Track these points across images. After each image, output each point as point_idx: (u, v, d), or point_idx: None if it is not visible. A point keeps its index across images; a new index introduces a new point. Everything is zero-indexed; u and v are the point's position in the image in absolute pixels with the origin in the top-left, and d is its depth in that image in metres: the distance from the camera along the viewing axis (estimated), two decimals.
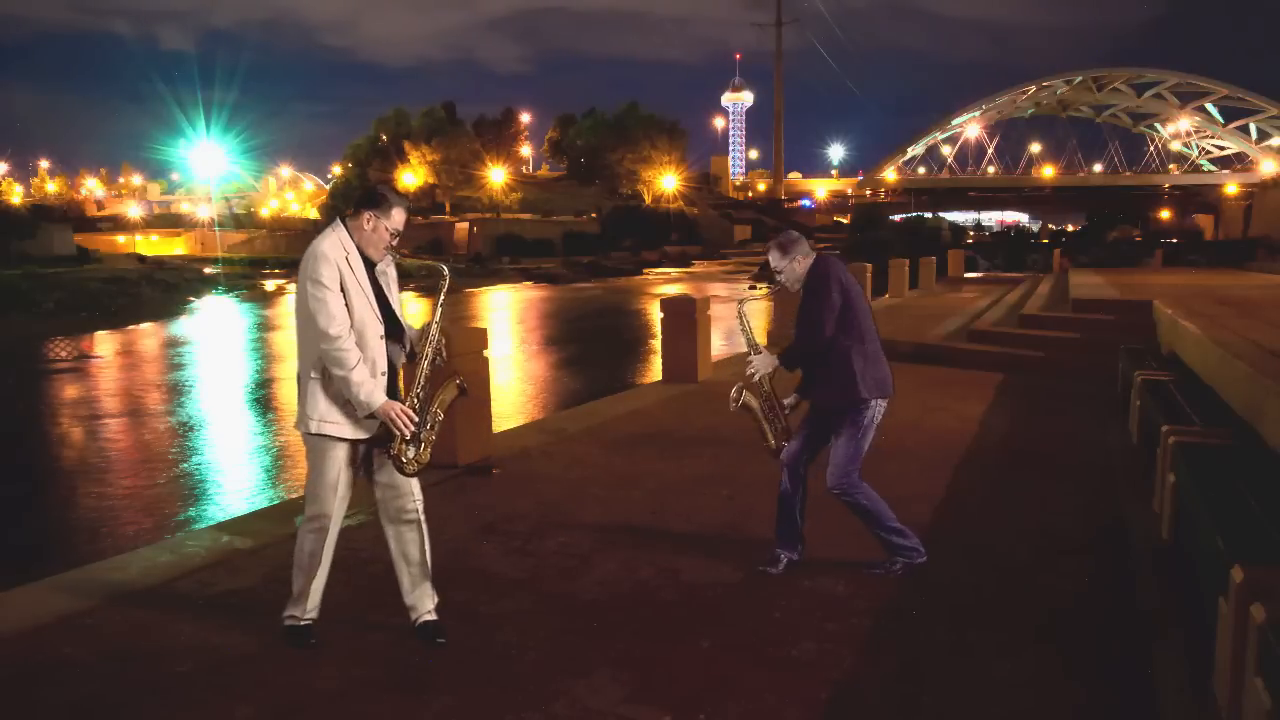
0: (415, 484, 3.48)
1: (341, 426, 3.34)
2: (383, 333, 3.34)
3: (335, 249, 3.26)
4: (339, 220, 3.36)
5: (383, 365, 3.34)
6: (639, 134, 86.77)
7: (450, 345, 3.52)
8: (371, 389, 3.23)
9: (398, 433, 3.28)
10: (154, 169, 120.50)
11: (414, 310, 3.82)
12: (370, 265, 3.37)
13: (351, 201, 3.48)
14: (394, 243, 3.38)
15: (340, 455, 3.37)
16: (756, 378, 4.33)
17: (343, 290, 3.24)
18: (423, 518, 3.51)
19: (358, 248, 3.32)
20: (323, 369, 3.29)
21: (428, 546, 3.53)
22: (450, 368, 3.55)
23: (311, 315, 3.22)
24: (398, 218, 3.36)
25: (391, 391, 3.37)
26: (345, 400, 3.29)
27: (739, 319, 4.41)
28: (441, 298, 3.46)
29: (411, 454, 3.33)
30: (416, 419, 3.30)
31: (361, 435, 3.38)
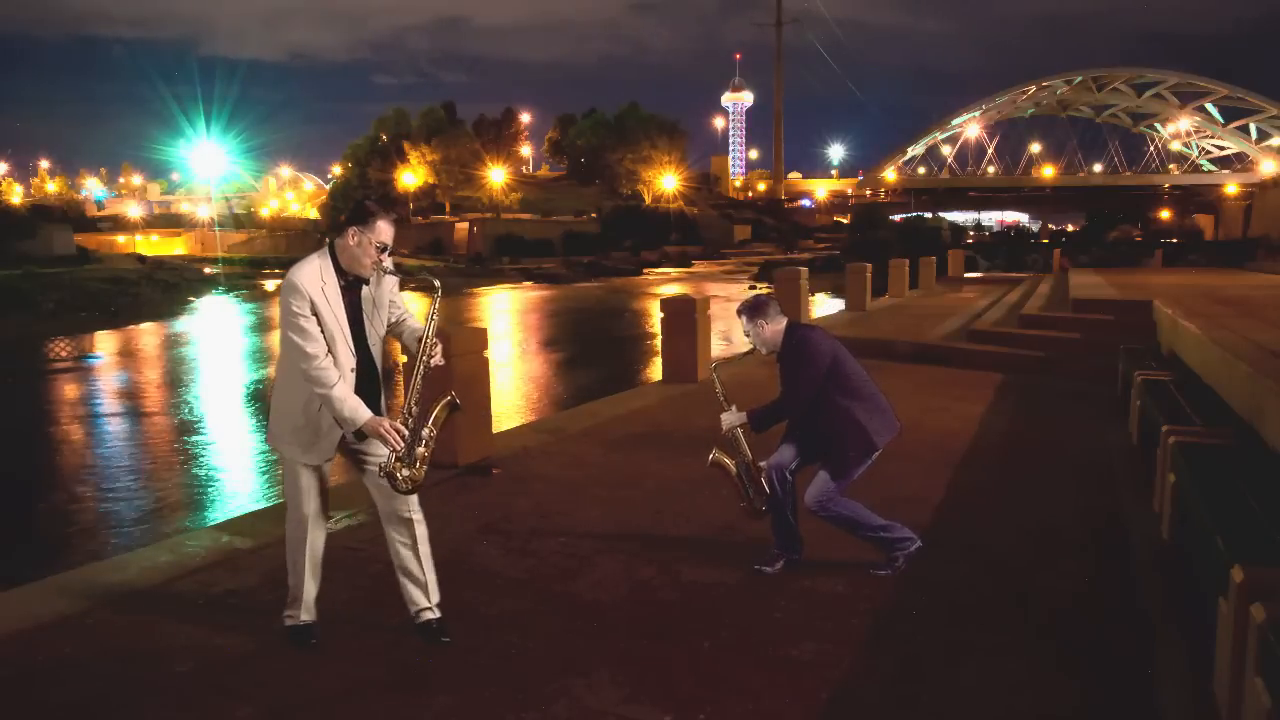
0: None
1: (293, 449, 3.36)
2: (354, 366, 3.29)
3: (311, 280, 3.20)
4: (327, 245, 3.31)
5: None
6: (639, 134, 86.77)
7: (449, 346, 3.50)
8: (355, 405, 3.20)
9: (389, 449, 3.26)
10: (154, 169, 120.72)
11: (414, 309, 3.80)
12: (357, 287, 3.31)
13: (351, 202, 3.45)
14: (381, 257, 3.27)
15: (299, 465, 3.40)
16: (725, 432, 4.25)
17: (317, 317, 3.20)
18: (417, 516, 3.49)
19: (345, 269, 3.27)
20: (287, 392, 3.30)
21: (425, 545, 3.52)
22: (445, 383, 3.49)
23: (289, 339, 3.20)
24: (383, 230, 3.25)
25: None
26: (299, 426, 3.31)
27: (713, 380, 4.41)
28: (434, 311, 3.37)
29: (406, 473, 3.27)
30: (408, 434, 3.25)
31: (311, 461, 3.38)
